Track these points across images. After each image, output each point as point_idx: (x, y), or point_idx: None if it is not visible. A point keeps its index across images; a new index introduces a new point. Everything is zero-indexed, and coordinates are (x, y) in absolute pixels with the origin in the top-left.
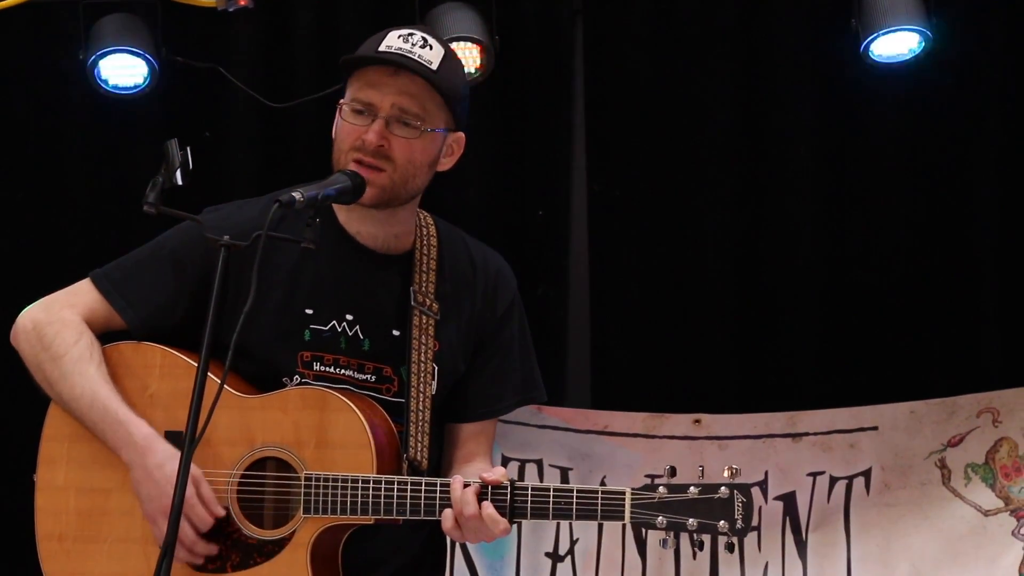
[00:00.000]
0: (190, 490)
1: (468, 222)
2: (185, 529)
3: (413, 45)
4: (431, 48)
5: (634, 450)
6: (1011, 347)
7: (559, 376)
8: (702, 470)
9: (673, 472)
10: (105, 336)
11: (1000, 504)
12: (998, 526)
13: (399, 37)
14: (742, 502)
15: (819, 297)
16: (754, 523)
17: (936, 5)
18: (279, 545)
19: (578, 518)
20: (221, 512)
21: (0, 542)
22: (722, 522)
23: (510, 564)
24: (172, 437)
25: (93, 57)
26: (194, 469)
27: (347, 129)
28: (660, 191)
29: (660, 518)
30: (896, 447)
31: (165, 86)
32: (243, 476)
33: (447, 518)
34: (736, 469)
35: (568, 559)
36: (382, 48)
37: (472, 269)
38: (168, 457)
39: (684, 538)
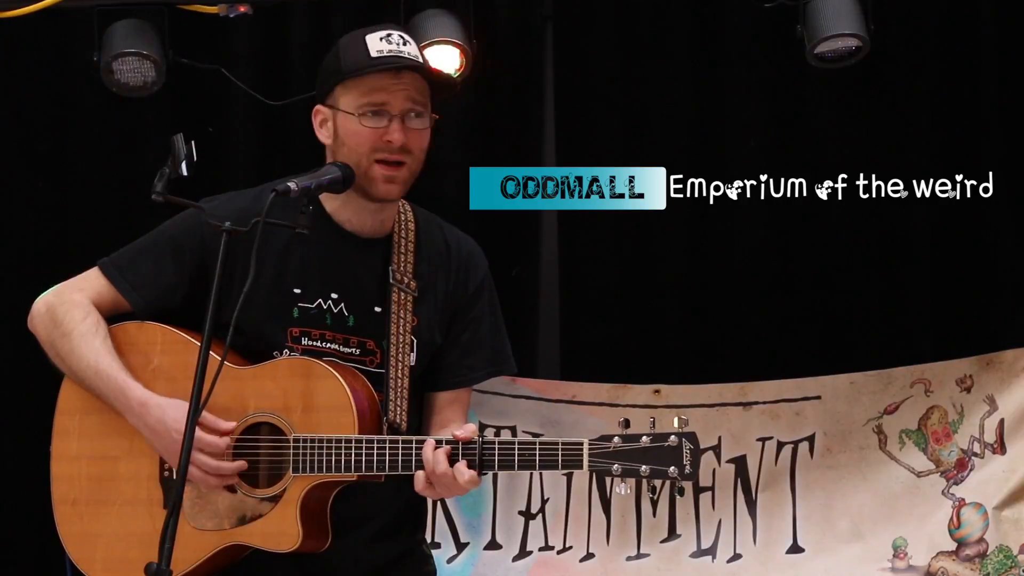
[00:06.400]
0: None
1: (448, 209)
2: (202, 460)
3: (399, 45)
4: (409, 44)
5: (600, 418)
6: (941, 324)
7: (531, 350)
8: (653, 421)
9: (627, 424)
10: (113, 318)
11: (932, 466)
12: (930, 486)
13: (381, 40)
14: (690, 449)
15: (768, 279)
16: (708, 484)
17: (874, 14)
18: (272, 502)
19: (541, 468)
20: (229, 426)
21: (22, 508)
22: (672, 467)
23: (486, 521)
24: None
25: (106, 59)
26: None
27: (366, 133)
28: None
29: (616, 465)
30: (837, 415)
31: (172, 86)
32: (238, 440)
33: (419, 479)
34: (684, 419)
35: (539, 517)
36: (375, 54)
37: (447, 251)
38: (163, 409)
39: (646, 500)
